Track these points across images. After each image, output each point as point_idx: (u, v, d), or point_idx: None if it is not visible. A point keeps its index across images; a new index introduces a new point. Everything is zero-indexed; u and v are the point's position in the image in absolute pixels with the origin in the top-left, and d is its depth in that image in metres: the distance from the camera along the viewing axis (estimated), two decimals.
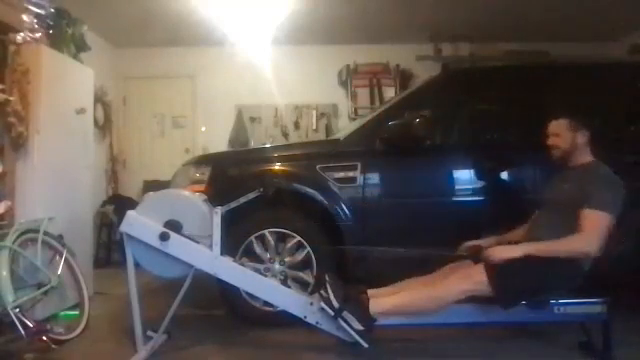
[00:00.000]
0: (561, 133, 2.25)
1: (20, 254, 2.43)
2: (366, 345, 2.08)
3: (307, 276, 2.67)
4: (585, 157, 2.24)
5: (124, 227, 2.24)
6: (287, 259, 2.68)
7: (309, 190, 2.69)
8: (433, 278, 2.25)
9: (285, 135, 5.55)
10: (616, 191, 2.08)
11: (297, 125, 5.58)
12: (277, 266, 2.67)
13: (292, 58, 5.35)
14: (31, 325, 2.19)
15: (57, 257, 2.67)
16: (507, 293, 2.05)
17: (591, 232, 2.01)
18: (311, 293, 2.50)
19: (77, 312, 2.72)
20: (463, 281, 2.07)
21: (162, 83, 5.65)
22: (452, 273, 2.19)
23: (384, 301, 2.15)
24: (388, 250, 2.60)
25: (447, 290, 2.08)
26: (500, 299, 2.07)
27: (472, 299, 2.12)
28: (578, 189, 2.10)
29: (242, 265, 2.41)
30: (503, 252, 2.07)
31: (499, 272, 2.03)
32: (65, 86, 3.23)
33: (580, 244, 2.02)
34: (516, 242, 2.22)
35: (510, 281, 2.03)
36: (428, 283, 2.21)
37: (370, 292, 2.21)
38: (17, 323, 2.15)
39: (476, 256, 2.20)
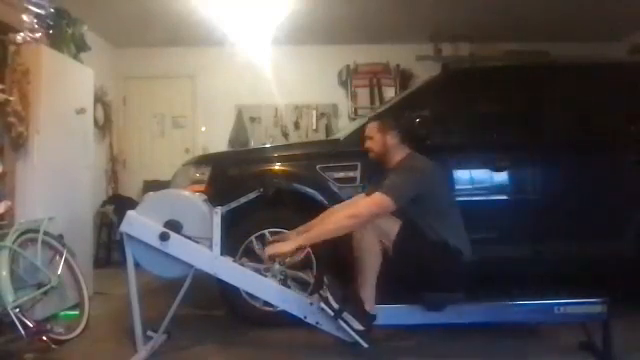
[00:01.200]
0: (373, 136, 2.34)
1: (20, 254, 2.43)
2: (366, 345, 2.08)
3: (307, 276, 2.67)
4: (400, 155, 2.29)
5: (124, 227, 2.24)
6: (287, 259, 2.67)
7: (309, 190, 2.69)
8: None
9: (285, 135, 5.55)
10: (406, 177, 2.13)
11: (297, 125, 5.58)
12: (277, 266, 2.66)
13: (292, 58, 5.35)
14: (31, 325, 2.19)
15: (57, 257, 2.67)
16: (402, 260, 2.09)
17: (362, 204, 2.10)
18: (311, 293, 2.50)
19: (77, 312, 2.72)
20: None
21: (162, 83, 5.65)
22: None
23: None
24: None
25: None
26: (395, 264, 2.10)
27: (472, 299, 2.12)
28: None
29: (242, 265, 2.41)
30: (275, 248, 2.14)
31: (403, 238, 2.09)
32: (65, 86, 3.23)
33: (344, 213, 2.10)
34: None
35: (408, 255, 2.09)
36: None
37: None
38: (17, 323, 2.15)
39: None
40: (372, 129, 2.37)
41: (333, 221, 2.13)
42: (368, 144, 2.38)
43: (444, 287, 2.15)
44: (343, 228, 2.08)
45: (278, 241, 2.29)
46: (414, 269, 2.13)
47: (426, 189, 2.15)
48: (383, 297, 2.16)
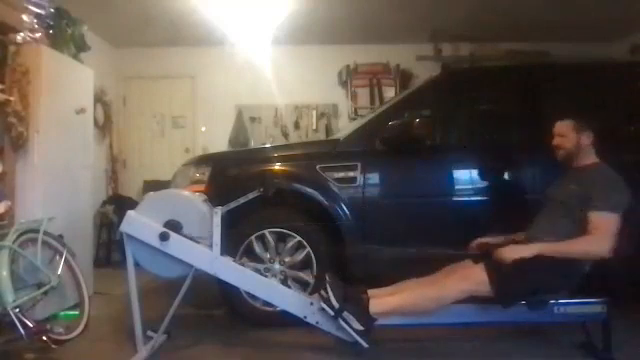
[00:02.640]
0: (566, 134, 2.26)
1: (20, 254, 2.43)
2: (366, 345, 2.08)
3: (307, 276, 2.67)
4: (589, 158, 2.24)
5: (124, 227, 2.24)
6: (287, 259, 2.68)
7: (309, 190, 2.69)
8: (433, 279, 2.25)
9: (285, 135, 5.55)
10: (621, 192, 2.08)
11: (297, 125, 5.58)
12: (277, 266, 2.67)
13: (292, 58, 5.35)
14: (31, 325, 2.18)
15: (57, 257, 2.67)
16: (507, 293, 2.06)
17: (603, 234, 2.02)
18: (311, 293, 2.50)
19: (77, 312, 2.72)
20: (463, 281, 2.07)
21: (162, 83, 5.64)
22: (452, 273, 2.19)
23: (384, 301, 2.15)
24: (389, 250, 2.61)
25: (447, 290, 2.08)
26: (500, 299, 2.07)
27: (472, 299, 2.12)
28: (583, 190, 2.11)
29: (242, 265, 2.41)
30: (515, 251, 2.07)
31: (499, 272, 2.04)
32: (65, 86, 3.23)
33: (594, 246, 2.03)
34: (519, 242, 2.22)
35: (510, 281, 2.04)
36: (428, 283, 2.21)
37: (370, 292, 2.22)
38: (17, 323, 2.15)
39: (481, 255, 2.20)
40: (566, 127, 2.27)
41: (578, 245, 2.06)
42: (559, 141, 2.28)
43: (550, 288, 2.14)
44: (587, 254, 2.05)
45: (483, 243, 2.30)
46: (534, 285, 2.09)
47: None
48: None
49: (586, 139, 2.23)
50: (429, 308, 2.10)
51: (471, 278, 2.06)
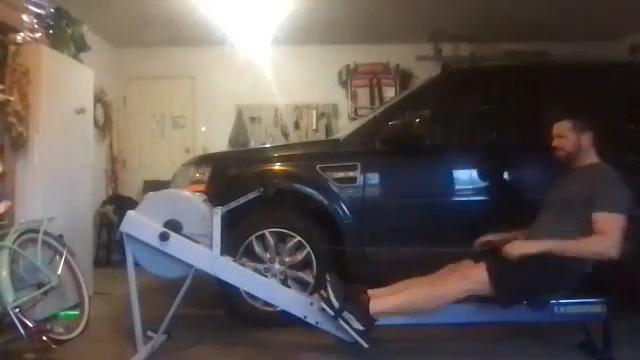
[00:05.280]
0: (566, 134, 2.25)
1: (20, 254, 2.42)
2: (366, 345, 2.08)
3: (307, 276, 2.67)
4: (590, 158, 2.24)
5: (124, 227, 2.24)
6: (287, 259, 2.68)
7: (309, 190, 2.69)
8: (433, 278, 2.25)
9: (285, 135, 5.55)
10: (623, 191, 2.08)
11: (297, 125, 5.58)
12: (277, 266, 2.67)
13: (292, 58, 5.35)
14: (31, 325, 2.18)
15: (57, 257, 2.66)
16: (508, 292, 2.05)
17: (611, 234, 2.01)
18: (311, 293, 2.50)
19: (77, 312, 2.72)
20: (463, 280, 2.07)
21: (162, 83, 5.64)
22: (452, 273, 2.19)
23: (384, 301, 2.15)
24: (390, 250, 2.61)
25: (447, 289, 2.08)
26: (500, 298, 2.07)
27: (472, 299, 2.12)
28: (585, 190, 2.10)
29: (242, 265, 2.41)
30: (522, 247, 2.07)
31: (500, 272, 2.03)
32: (65, 86, 3.23)
33: (603, 246, 2.02)
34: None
35: (511, 281, 2.03)
36: (428, 283, 2.21)
37: (370, 292, 2.21)
38: (17, 323, 2.15)
39: (483, 253, 2.21)
40: (565, 127, 2.26)
41: (587, 244, 2.04)
42: (559, 142, 2.27)
43: (550, 288, 2.13)
44: (596, 253, 2.04)
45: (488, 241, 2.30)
46: (534, 285, 2.08)
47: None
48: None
49: (586, 139, 2.22)
50: (429, 307, 2.10)
51: (471, 277, 2.06)
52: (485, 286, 2.03)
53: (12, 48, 2.88)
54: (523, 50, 5.07)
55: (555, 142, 2.28)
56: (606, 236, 2.01)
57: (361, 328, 2.07)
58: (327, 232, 2.69)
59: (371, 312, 2.10)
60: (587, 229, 2.05)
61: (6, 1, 2.84)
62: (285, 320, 2.39)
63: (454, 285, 2.07)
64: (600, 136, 2.25)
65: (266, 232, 2.67)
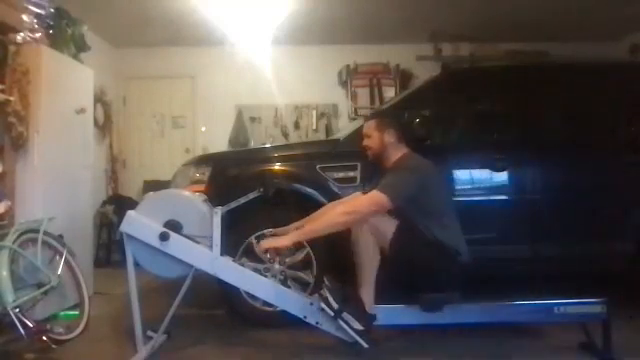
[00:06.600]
0: (370, 134, 2.33)
1: (20, 254, 2.43)
2: (366, 345, 2.08)
3: (307, 276, 2.67)
4: (397, 154, 2.29)
5: (124, 227, 2.24)
6: (287, 259, 2.68)
7: (309, 190, 2.69)
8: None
9: (285, 135, 5.56)
10: (402, 176, 2.14)
11: (297, 125, 5.58)
12: (277, 266, 2.66)
13: (292, 58, 5.35)
14: (31, 325, 2.18)
15: (57, 257, 2.67)
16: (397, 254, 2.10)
17: (359, 201, 2.13)
18: (311, 293, 2.50)
19: (77, 312, 2.72)
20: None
21: (162, 83, 5.65)
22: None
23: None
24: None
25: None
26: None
27: (472, 299, 2.12)
28: None
29: (242, 265, 2.41)
30: (271, 242, 2.15)
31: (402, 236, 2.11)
32: (65, 86, 3.23)
33: (341, 208, 2.12)
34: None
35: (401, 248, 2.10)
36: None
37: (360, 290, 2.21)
38: (17, 323, 2.15)
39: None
40: (369, 127, 2.37)
41: (328, 217, 2.15)
42: (366, 142, 2.38)
43: (440, 287, 2.15)
44: (338, 224, 2.09)
45: (274, 235, 2.30)
46: (410, 269, 2.14)
47: (423, 189, 2.15)
48: (381, 297, 2.16)
49: (388, 137, 2.29)
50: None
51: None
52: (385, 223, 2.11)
53: (12, 48, 2.88)
54: (523, 50, 5.07)
55: (364, 142, 2.37)
56: (358, 201, 2.13)
57: (361, 328, 2.08)
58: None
59: (367, 308, 2.10)
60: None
61: (6, 1, 2.84)
62: (285, 320, 2.39)
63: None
64: (403, 129, 2.33)
65: (266, 232, 2.66)
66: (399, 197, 2.10)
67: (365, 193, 2.25)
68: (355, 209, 2.10)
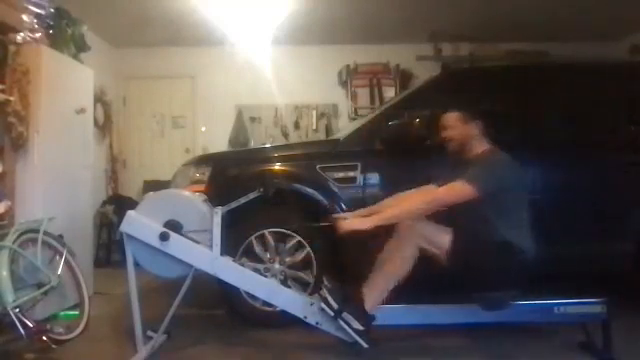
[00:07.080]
0: (454, 125, 2.33)
1: (20, 254, 2.43)
2: (366, 345, 2.08)
3: (307, 276, 2.67)
4: (481, 147, 2.29)
5: (124, 227, 2.24)
6: (287, 259, 2.68)
7: (309, 190, 2.69)
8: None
9: (285, 135, 5.56)
10: (491, 171, 2.14)
11: (297, 125, 5.58)
12: (277, 266, 2.67)
13: (292, 58, 5.35)
14: (31, 325, 2.18)
15: (57, 257, 2.67)
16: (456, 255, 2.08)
17: (439, 191, 2.14)
18: (311, 293, 2.50)
19: (77, 312, 2.72)
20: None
21: (162, 83, 5.65)
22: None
23: (370, 289, 2.13)
24: None
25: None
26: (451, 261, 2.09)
27: (472, 299, 2.12)
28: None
29: (242, 265, 2.41)
30: (354, 224, 2.13)
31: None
32: (65, 86, 3.23)
33: (431, 195, 2.13)
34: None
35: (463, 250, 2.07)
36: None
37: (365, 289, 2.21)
38: (17, 323, 2.15)
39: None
40: (452, 118, 2.34)
41: (408, 205, 2.16)
42: (448, 133, 2.34)
43: (500, 286, 2.12)
44: (418, 210, 2.12)
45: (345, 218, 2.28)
46: (472, 270, 2.09)
47: (507, 184, 2.14)
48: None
49: (473, 129, 2.29)
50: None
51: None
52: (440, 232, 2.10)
53: (12, 48, 2.88)
54: (523, 50, 5.07)
55: (444, 133, 2.36)
56: (432, 191, 2.15)
57: (361, 328, 2.08)
58: (327, 232, 2.68)
59: (367, 309, 2.10)
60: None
61: (6, 1, 2.84)
62: (285, 320, 2.39)
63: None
64: (488, 124, 2.32)
65: (266, 232, 2.66)
66: (484, 189, 2.08)
67: (439, 186, 2.24)
68: (438, 197, 2.13)
